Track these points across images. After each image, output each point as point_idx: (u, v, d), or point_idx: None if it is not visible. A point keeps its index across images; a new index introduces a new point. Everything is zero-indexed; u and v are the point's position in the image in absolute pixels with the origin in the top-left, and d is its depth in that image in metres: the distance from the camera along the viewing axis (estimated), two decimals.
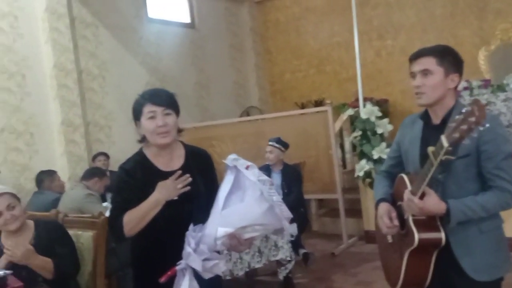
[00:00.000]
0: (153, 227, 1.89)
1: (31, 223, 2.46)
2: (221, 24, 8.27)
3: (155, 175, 1.93)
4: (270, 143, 4.50)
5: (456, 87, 1.92)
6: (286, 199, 4.00)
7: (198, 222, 1.80)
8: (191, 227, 1.78)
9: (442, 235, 1.82)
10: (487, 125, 1.52)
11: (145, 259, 1.96)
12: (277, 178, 4.43)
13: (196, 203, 1.92)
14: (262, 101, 8.73)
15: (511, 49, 6.33)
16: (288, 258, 3.92)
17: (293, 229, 1.82)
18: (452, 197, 1.82)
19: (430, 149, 1.69)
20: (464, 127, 1.51)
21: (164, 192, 1.87)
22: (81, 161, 5.66)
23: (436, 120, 1.94)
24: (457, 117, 1.55)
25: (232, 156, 1.81)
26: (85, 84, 5.98)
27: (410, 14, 7.28)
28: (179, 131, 2.02)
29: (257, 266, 3.90)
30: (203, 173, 2.01)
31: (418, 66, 1.89)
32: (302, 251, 4.53)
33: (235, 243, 1.75)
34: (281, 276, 4.03)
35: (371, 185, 4.83)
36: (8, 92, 5.24)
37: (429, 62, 1.87)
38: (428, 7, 7.10)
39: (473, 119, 1.49)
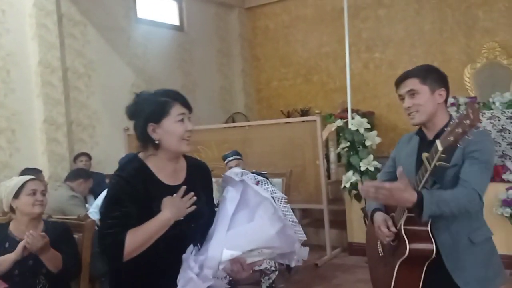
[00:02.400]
0: (150, 249, 1.65)
1: (41, 220, 2.49)
2: (210, 29, 8.23)
3: (158, 189, 1.70)
4: (233, 157, 4.18)
5: (446, 102, 1.97)
6: None
7: (197, 243, 1.64)
8: (190, 249, 1.60)
9: (433, 246, 1.83)
10: (480, 128, 1.57)
11: (133, 285, 1.73)
12: None
13: (198, 222, 1.71)
14: (247, 108, 8.70)
15: (496, 67, 6.44)
16: (273, 268, 3.89)
17: (304, 252, 1.66)
18: None
19: (425, 155, 1.72)
20: (459, 130, 1.54)
21: (175, 210, 1.64)
22: (62, 160, 5.54)
23: (430, 136, 1.97)
24: (451, 122, 1.61)
25: (237, 170, 1.61)
26: (70, 83, 5.86)
27: (399, 28, 7.36)
28: None
29: None
30: (204, 188, 1.82)
31: (404, 88, 1.97)
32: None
33: (238, 268, 1.55)
34: (264, 286, 3.99)
35: (357, 196, 4.83)
36: None
37: (413, 83, 1.94)
38: (417, 23, 7.21)
39: (467, 121, 1.52)
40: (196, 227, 1.70)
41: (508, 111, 4.53)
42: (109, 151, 6.00)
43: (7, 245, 2.34)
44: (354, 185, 4.84)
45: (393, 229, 1.94)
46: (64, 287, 2.43)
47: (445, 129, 1.64)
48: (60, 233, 2.42)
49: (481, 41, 6.68)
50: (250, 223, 1.55)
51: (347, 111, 5.32)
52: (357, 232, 5.10)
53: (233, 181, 1.69)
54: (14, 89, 5.26)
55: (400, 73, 2.02)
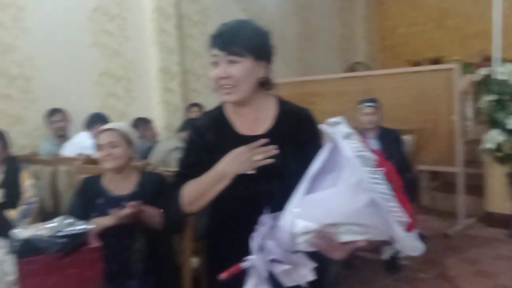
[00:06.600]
0: (222, 207, 1.46)
1: (136, 170, 2.32)
2: None
3: (232, 139, 1.46)
4: (370, 103, 3.80)
5: None
6: None
7: (279, 206, 1.27)
8: (265, 215, 1.29)
9: None
10: None
11: (217, 241, 1.55)
12: (374, 144, 3.79)
13: (280, 183, 1.39)
14: (369, 58, 7.98)
15: None
16: None
17: (411, 241, 1.16)
18: None
19: None
20: None
21: (234, 163, 1.38)
22: (176, 111, 5.49)
23: None
24: None
25: (333, 119, 1.21)
26: (185, 31, 5.72)
27: None
28: (265, 84, 1.49)
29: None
30: (298, 142, 1.47)
31: None
32: (415, 230, 3.94)
33: (326, 245, 1.20)
34: (385, 256, 3.55)
35: (502, 159, 4.08)
36: (109, 35, 5.12)
37: None
38: None
39: None
40: (273, 187, 1.41)
41: None
42: None
43: (99, 201, 2.17)
44: (498, 146, 4.07)
45: None
46: (164, 245, 2.23)
47: None
48: (157, 184, 2.21)
49: None
50: (331, 189, 1.16)
51: (488, 59, 4.49)
52: (498, 201, 4.36)
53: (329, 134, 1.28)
54: (130, 37, 5.22)
55: None
